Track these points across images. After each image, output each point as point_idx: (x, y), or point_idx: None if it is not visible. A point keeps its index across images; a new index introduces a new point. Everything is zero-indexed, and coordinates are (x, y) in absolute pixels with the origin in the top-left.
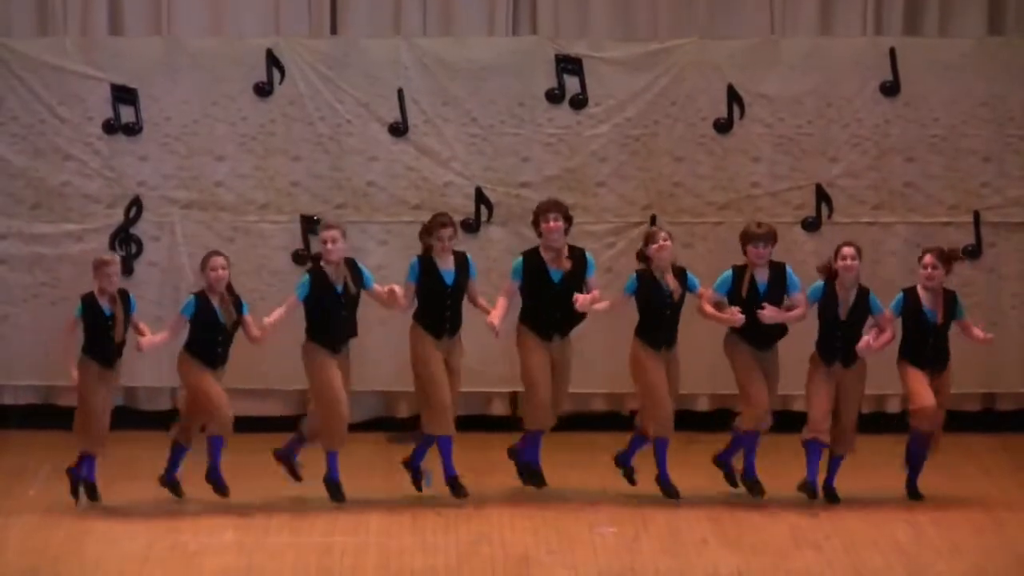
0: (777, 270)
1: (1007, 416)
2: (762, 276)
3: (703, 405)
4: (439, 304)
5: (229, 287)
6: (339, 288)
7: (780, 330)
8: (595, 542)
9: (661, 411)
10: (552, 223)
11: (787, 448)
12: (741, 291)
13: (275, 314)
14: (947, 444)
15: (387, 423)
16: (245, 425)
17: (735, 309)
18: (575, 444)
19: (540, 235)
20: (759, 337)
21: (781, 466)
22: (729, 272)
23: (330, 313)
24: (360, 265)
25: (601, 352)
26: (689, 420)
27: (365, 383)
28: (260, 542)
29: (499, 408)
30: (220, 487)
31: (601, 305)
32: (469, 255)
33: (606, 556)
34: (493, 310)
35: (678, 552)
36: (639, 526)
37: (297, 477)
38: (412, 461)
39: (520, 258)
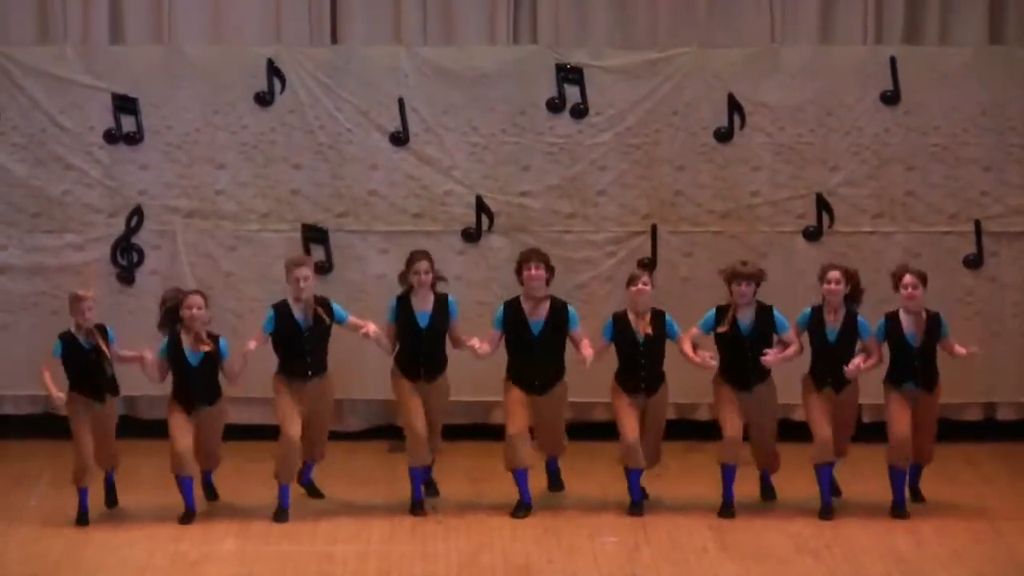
0: (762, 312)
1: (1008, 426)
2: (745, 317)
3: (703, 414)
4: (414, 347)
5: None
6: (303, 325)
7: (761, 372)
8: (596, 551)
9: (625, 440)
10: (534, 271)
11: (789, 457)
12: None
13: (246, 351)
14: (948, 453)
15: (388, 432)
16: (247, 433)
17: (708, 354)
18: (576, 453)
19: (522, 283)
20: (739, 378)
21: (783, 475)
22: (712, 312)
23: (293, 349)
24: (332, 303)
25: (601, 361)
26: (689, 429)
27: (365, 392)
28: (261, 550)
29: (499, 417)
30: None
31: (590, 356)
32: (452, 297)
33: (607, 565)
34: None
35: (679, 560)
36: (640, 535)
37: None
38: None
39: (501, 307)
